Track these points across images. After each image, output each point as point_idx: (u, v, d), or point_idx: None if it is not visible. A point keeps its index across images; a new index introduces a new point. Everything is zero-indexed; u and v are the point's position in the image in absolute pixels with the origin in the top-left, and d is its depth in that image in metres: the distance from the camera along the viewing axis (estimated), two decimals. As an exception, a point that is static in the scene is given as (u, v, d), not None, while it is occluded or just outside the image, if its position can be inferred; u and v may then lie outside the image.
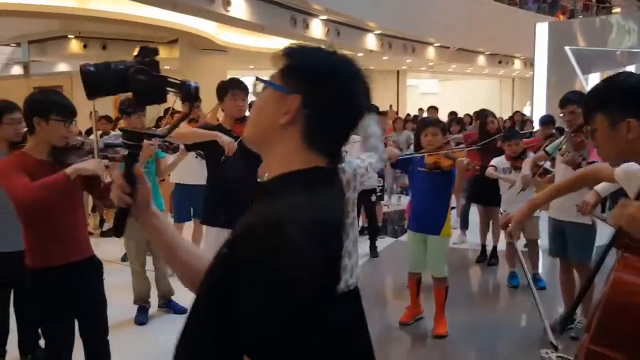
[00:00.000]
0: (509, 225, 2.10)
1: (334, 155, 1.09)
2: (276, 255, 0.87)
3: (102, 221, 7.37)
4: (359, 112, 1.10)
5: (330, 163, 1.08)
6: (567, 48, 11.69)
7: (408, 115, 14.93)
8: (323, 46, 1.13)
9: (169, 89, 1.20)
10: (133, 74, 1.12)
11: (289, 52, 1.10)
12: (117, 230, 1.24)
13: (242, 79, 3.73)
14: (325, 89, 1.05)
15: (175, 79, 1.22)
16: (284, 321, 0.87)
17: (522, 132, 6.72)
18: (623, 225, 1.52)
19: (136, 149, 1.19)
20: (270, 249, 0.88)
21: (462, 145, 5.95)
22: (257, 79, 1.12)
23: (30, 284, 2.62)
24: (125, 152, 3.06)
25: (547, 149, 4.24)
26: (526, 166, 4.44)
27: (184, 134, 3.44)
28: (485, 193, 5.61)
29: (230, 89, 3.45)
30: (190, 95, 1.23)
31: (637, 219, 1.49)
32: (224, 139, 3.26)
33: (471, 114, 10.24)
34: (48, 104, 2.54)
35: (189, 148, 3.61)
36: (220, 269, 1.00)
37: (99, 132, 4.89)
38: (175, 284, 4.59)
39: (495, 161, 5.17)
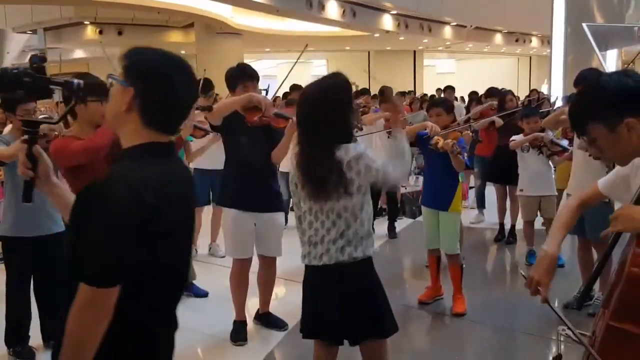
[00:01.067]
0: (539, 289, 1.75)
1: (171, 132, 1.49)
2: (99, 196, 1.32)
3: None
4: (181, 98, 1.46)
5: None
6: (584, 25, 11.47)
7: (425, 95, 14.82)
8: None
9: (54, 86, 1.52)
10: (21, 77, 1.41)
11: (127, 54, 1.44)
12: (25, 197, 1.50)
13: (259, 62, 3.74)
14: (150, 82, 1.41)
15: (60, 79, 1.58)
16: (101, 241, 1.28)
17: (540, 110, 6.64)
18: (622, 229, 1.57)
19: (34, 134, 1.49)
20: (96, 192, 1.34)
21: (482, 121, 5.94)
22: (109, 76, 1.48)
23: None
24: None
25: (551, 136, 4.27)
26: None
27: (218, 109, 3.41)
28: (502, 172, 5.60)
29: (241, 80, 3.46)
30: (73, 91, 1.57)
31: (632, 218, 1.55)
32: (257, 97, 3.29)
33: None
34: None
35: (214, 128, 3.62)
36: (74, 209, 1.41)
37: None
38: (196, 267, 4.66)
39: (515, 138, 5.15)
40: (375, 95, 8.22)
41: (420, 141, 4.17)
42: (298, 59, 5.06)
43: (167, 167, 1.46)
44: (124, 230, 1.29)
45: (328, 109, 2.30)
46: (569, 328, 1.67)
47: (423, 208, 4.25)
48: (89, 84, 2.60)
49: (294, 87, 6.95)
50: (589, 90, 1.68)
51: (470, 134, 4.75)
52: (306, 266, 2.47)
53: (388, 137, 5.81)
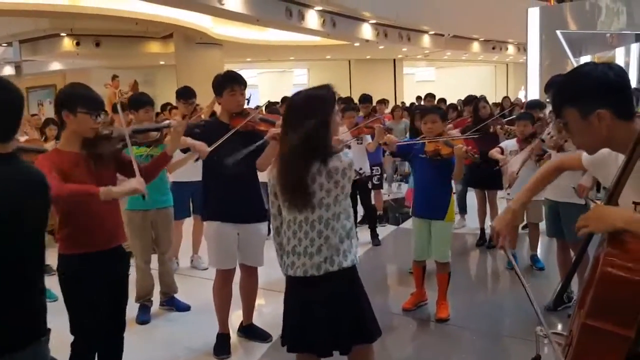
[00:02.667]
0: (499, 240, 1.97)
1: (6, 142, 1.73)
2: None
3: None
4: (11, 114, 1.75)
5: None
6: (558, 32, 11.71)
7: (402, 103, 14.96)
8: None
9: None
10: None
11: None
12: None
13: (240, 72, 3.74)
14: None
15: None
16: None
17: (511, 117, 6.72)
18: (593, 230, 1.58)
19: None
20: None
21: (456, 132, 5.98)
22: None
23: (66, 271, 2.66)
24: (156, 135, 3.17)
25: (542, 137, 4.31)
26: (518, 159, 4.49)
27: (173, 166, 3.95)
28: (482, 177, 5.67)
29: (229, 84, 3.45)
30: None
31: (599, 219, 1.56)
32: (196, 145, 3.33)
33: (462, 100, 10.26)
34: (75, 97, 2.62)
35: (185, 150, 3.62)
36: None
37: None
38: (177, 280, 4.62)
39: (504, 143, 5.19)
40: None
41: (406, 150, 4.16)
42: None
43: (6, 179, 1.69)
44: None
45: (312, 119, 2.28)
46: (543, 327, 1.70)
47: (415, 219, 4.14)
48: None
49: (284, 100, 6.97)
50: (573, 75, 1.73)
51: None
52: (289, 277, 2.44)
53: (358, 142, 5.86)
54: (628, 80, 1.66)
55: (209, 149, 3.30)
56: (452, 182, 4.12)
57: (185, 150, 3.68)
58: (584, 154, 1.94)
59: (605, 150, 1.79)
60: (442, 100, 9.72)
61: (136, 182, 2.56)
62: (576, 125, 1.66)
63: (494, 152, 5.07)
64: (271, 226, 2.55)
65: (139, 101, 4.37)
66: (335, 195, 2.31)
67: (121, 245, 2.85)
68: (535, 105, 5.89)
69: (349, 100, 8.10)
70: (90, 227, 2.64)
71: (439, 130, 4.03)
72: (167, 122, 3.33)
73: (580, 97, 1.64)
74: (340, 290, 2.37)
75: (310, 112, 2.30)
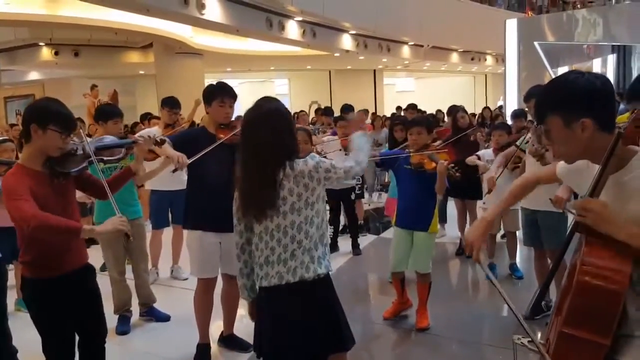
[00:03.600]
0: (474, 253, 1.93)
1: None
2: None
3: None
4: None
5: None
6: (536, 43, 11.92)
7: (383, 115, 15.05)
8: None
9: None
10: None
11: None
12: None
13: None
14: None
15: None
16: None
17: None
18: (590, 223, 1.56)
19: None
20: None
21: (438, 142, 6.02)
22: None
23: (32, 296, 2.60)
24: (121, 152, 3.12)
25: (517, 143, 4.36)
26: (494, 166, 4.53)
27: (145, 177, 4.01)
28: (462, 187, 5.70)
29: (220, 95, 3.46)
30: None
31: (602, 217, 1.54)
32: (175, 157, 3.29)
33: (444, 110, 10.36)
34: (48, 112, 2.49)
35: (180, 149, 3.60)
36: None
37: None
38: (157, 291, 4.58)
39: (481, 152, 5.25)
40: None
41: (390, 161, 4.15)
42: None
43: None
44: None
45: (272, 132, 2.31)
46: (529, 335, 1.71)
47: (397, 229, 4.12)
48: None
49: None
50: (559, 82, 1.70)
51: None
52: (263, 289, 2.42)
53: (345, 154, 5.87)
54: (613, 91, 1.65)
55: (189, 161, 3.29)
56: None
57: (155, 157, 3.71)
58: (558, 165, 1.94)
59: (580, 164, 1.77)
60: (420, 111, 9.76)
61: (119, 222, 2.43)
62: (558, 133, 1.64)
63: (472, 159, 5.12)
64: (235, 244, 2.50)
65: (107, 112, 4.33)
66: (305, 198, 2.31)
67: (85, 264, 2.76)
68: (520, 114, 5.98)
69: (328, 109, 8.14)
70: (53, 254, 2.56)
71: (425, 142, 4.02)
72: (132, 139, 3.31)
73: (565, 104, 1.62)
74: (315, 298, 2.37)
75: (272, 121, 2.34)
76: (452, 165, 3.81)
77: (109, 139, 3.30)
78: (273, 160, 2.30)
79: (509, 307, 1.76)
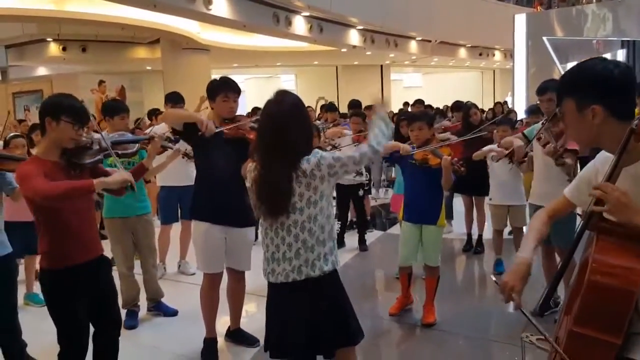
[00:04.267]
0: (512, 296, 1.73)
1: None
2: None
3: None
4: None
5: None
6: (545, 38, 11.85)
7: (390, 111, 14.99)
8: None
9: None
10: None
11: None
12: None
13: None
14: None
15: None
16: None
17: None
18: (610, 206, 1.52)
19: None
20: None
21: (449, 137, 5.98)
22: None
23: (49, 286, 2.66)
24: (134, 147, 3.22)
25: (525, 132, 4.26)
26: (517, 140, 4.36)
27: (166, 115, 3.62)
28: (469, 183, 5.68)
29: (223, 90, 3.47)
30: None
31: (625, 204, 1.50)
32: (200, 118, 3.33)
33: (449, 106, 10.28)
34: (60, 105, 2.62)
35: (178, 136, 3.59)
36: None
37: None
38: (164, 285, 4.60)
39: (486, 148, 5.20)
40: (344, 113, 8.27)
41: (395, 156, 4.13)
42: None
43: None
44: None
45: (291, 126, 2.29)
46: (541, 334, 1.69)
47: (405, 224, 4.12)
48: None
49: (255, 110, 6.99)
50: (578, 67, 1.70)
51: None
52: (270, 284, 2.43)
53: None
54: (632, 80, 1.62)
55: (215, 129, 3.32)
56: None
57: (163, 151, 3.73)
58: (565, 190, 1.91)
59: (586, 172, 1.78)
60: (429, 106, 9.74)
61: (126, 174, 2.63)
62: (571, 117, 1.65)
63: (477, 152, 4.98)
64: (258, 231, 2.53)
65: (114, 108, 4.35)
66: (308, 197, 2.29)
67: (100, 255, 2.82)
68: (536, 110, 5.89)
69: (332, 105, 8.14)
70: (65, 242, 2.63)
71: (426, 137, 4.03)
72: (148, 135, 3.35)
73: (578, 89, 1.63)
74: (322, 295, 2.37)
75: (292, 118, 2.32)
76: (457, 159, 3.81)
77: (127, 136, 3.45)
78: (286, 157, 2.28)
79: (519, 308, 1.71)
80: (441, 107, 12.49)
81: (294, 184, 2.28)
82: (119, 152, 3.07)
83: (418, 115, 4.56)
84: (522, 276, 1.75)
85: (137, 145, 3.33)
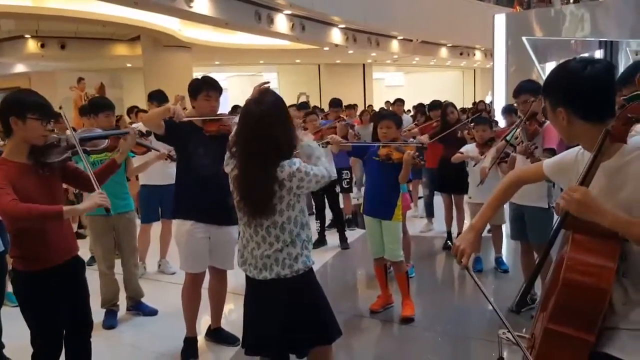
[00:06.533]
0: (463, 257, 1.87)
1: None
2: None
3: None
4: None
5: None
6: (524, 38, 11.97)
7: (370, 106, 15.10)
8: None
9: None
10: None
11: None
12: None
13: (209, 75, 3.74)
14: None
15: None
16: None
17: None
18: (572, 211, 1.55)
19: None
20: None
21: (425, 137, 6.03)
22: None
23: (23, 288, 2.59)
24: (104, 143, 3.11)
25: (507, 137, 4.35)
26: (488, 158, 4.55)
27: (145, 122, 3.59)
28: (449, 182, 5.75)
29: (205, 89, 3.46)
30: None
31: (584, 205, 1.53)
32: (168, 106, 3.38)
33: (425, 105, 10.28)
34: (24, 103, 2.50)
35: (160, 139, 3.57)
36: None
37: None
38: (144, 285, 4.57)
39: (464, 148, 5.28)
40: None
41: (359, 151, 4.33)
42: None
43: None
44: None
45: (270, 127, 2.30)
46: (507, 330, 1.72)
47: (366, 217, 4.26)
48: None
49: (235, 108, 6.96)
50: (556, 67, 1.74)
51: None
52: (248, 277, 2.46)
53: (322, 146, 5.87)
54: (606, 79, 1.61)
55: (185, 117, 3.34)
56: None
57: (146, 151, 3.68)
58: (545, 163, 1.93)
59: (567, 157, 1.80)
60: (421, 104, 9.79)
61: (98, 197, 2.48)
62: (550, 116, 1.71)
63: (457, 155, 5.16)
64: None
65: (99, 105, 4.28)
66: (287, 200, 2.33)
67: (75, 256, 2.76)
68: (510, 109, 5.99)
69: (303, 104, 8.15)
70: (40, 246, 2.56)
71: (393, 136, 4.17)
72: (120, 130, 3.29)
73: (550, 91, 1.69)
74: (297, 294, 2.39)
75: (272, 117, 2.32)
76: (417, 154, 3.96)
77: (97, 131, 3.31)
78: (264, 159, 2.28)
79: (490, 305, 1.75)
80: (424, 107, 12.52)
81: (276, 187, 2.29)
82: (88, 148, 2.98)
83: (387, 114, 4.77)
84: (471, 242, 1.90)
85: (107, 140, 3.19)
